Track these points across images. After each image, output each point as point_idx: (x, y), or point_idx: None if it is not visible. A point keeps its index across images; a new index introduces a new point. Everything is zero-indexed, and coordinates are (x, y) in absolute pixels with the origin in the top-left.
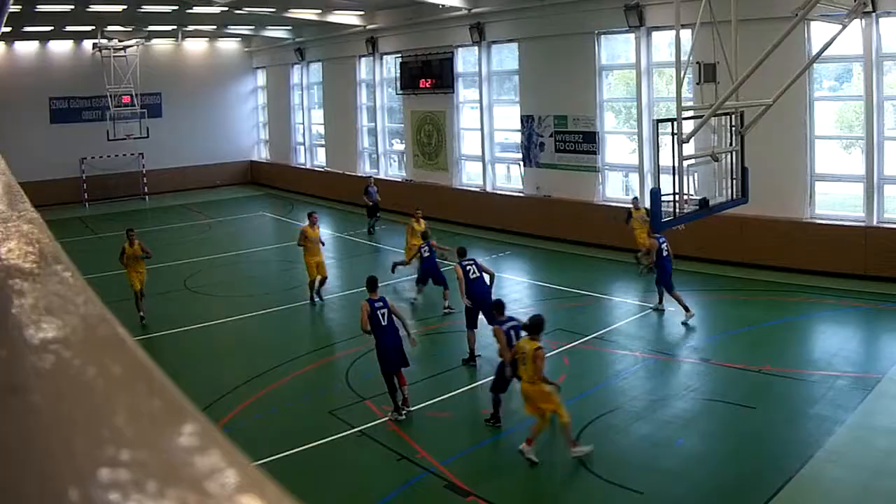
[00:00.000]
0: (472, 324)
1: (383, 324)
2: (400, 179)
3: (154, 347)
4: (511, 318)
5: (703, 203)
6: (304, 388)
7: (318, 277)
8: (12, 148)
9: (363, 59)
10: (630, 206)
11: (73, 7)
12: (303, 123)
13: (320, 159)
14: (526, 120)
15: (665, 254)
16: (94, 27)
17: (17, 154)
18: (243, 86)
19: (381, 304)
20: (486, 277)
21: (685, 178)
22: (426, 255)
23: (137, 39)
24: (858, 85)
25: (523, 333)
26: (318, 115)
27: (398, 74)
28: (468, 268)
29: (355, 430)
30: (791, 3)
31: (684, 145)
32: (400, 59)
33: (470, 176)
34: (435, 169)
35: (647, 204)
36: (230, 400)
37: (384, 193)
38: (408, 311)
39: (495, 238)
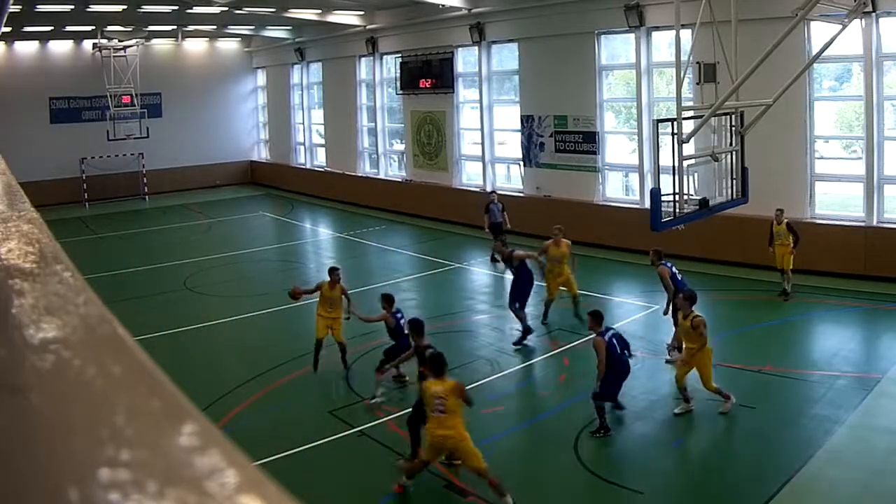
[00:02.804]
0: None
1: None
2: (400, 179)
3: (154, 347)
4: (609, 328)
5: (703, 203)
6: (304, 388)
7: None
8: (12, 148)
9: (363, 59)
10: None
11: (73, 7)
12: (303, 123)
13: (320, 159)
14: (526, 120)
15: (680, 277)
16: (94, 27)
17: (17, 154)
18: (243, 86)
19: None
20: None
21: (685, 178)
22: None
23: (137, 39)
24: (858, 85)
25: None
26: (318, 115)
27: (398, 74)
28: (403, 320)
29: (355, 430)
30: (791, 3)
31: (684, 145)
32: (400, 59)
33: (470, 176)
34: (435, 169)
35: (648, 204)
36: (230, 400)
37: (388, 194)
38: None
39: None
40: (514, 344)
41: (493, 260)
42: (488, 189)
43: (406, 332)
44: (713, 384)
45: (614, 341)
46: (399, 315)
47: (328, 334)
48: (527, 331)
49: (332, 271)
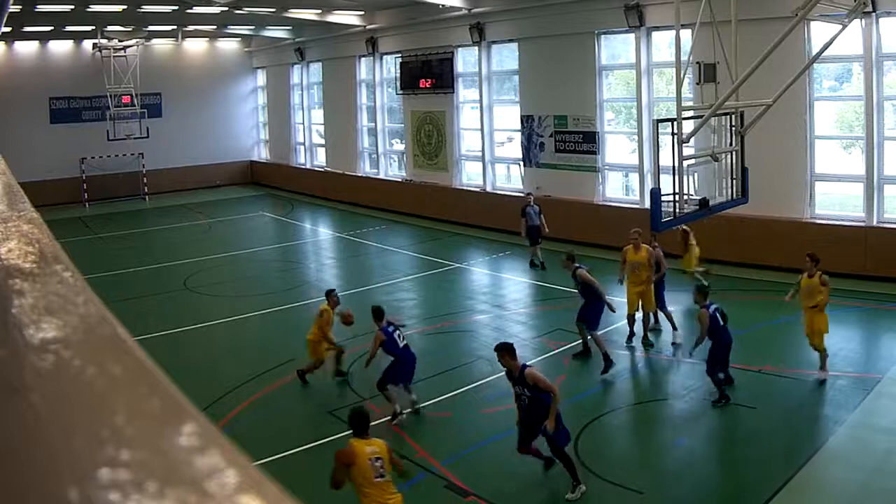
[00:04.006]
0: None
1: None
2: (400, 179)
3: (154, 347)
4: (712, 303)
5: (703, 203)
6: (304, 388)
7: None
8: (12, 148)
9: (363, 59)
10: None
11: (73, 7)
12: (303, 123)
13: (320, 159)
14: (526, 120)
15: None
16: (94, 27)
17: (17, 154)
18: (243, 86)
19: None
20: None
21: (685, 178)
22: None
23: (137, 39)
24: (858, 85)
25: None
26: (318, 115)
27: (398, 74)
28: (396, 332)
29: None
30: (791, 3)
31: (684, 145)
32: (400, 59)
33: (470, 176)
34: (435, 169)
35: (648, 204)
36: (230, 400)
37: (388, 194)
38: None
39: (495, 238)
40: (602, 373)
41: (532, 265)
42: (488, 189)
43: (401, 345)
44: (824, 343)
45: (717, 315)
46: (391, 329)
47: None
48: (605, 357)
49: (331, 293)
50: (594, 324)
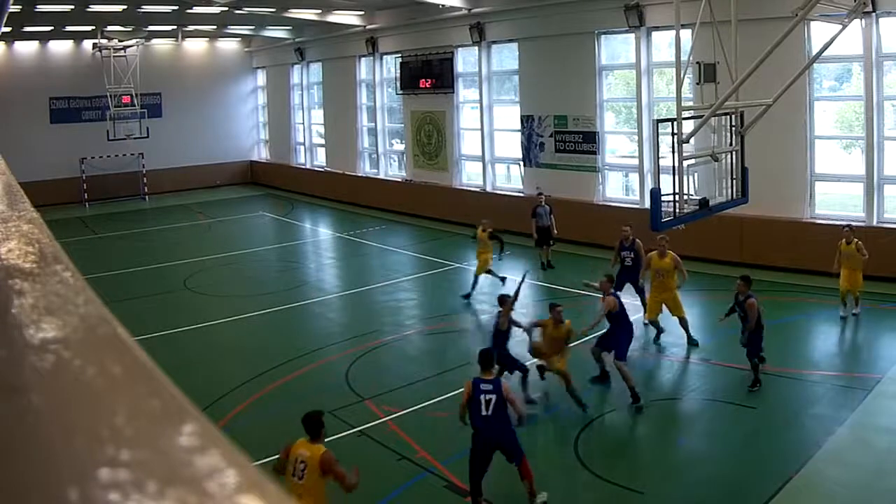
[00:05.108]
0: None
1: (483, 413)
2: (400, 179)
3: (154, 347)
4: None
5: (703, 203)
6: (304, 388)
7: None
8: (12, 148)
9: (363, 59)
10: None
11: (73, 7)
12: (303, 123)
13: (320, 159)
14: (526, 120)
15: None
16: (94, 27)
17: (17, 154)
18: (243, 86)
19: (488, 387)
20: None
21: (685, 178)
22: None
23: (137, 39)
24: (858, 85)
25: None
26: (318, 115)
27: (398, 74)
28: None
29: (355, 430)
30: (791, 3)
31: (684, 145)
32: (400, 59)
33: (470, 176)
34: (435, 169)
35: (647, 204)
36: (230, 400)
37: (388, 194)
38: None
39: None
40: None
41: (543, 267)
42: (488, 189)
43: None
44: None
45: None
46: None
47: None
48: (633, 392)
49: (554, 307)
50: (623, 354)
